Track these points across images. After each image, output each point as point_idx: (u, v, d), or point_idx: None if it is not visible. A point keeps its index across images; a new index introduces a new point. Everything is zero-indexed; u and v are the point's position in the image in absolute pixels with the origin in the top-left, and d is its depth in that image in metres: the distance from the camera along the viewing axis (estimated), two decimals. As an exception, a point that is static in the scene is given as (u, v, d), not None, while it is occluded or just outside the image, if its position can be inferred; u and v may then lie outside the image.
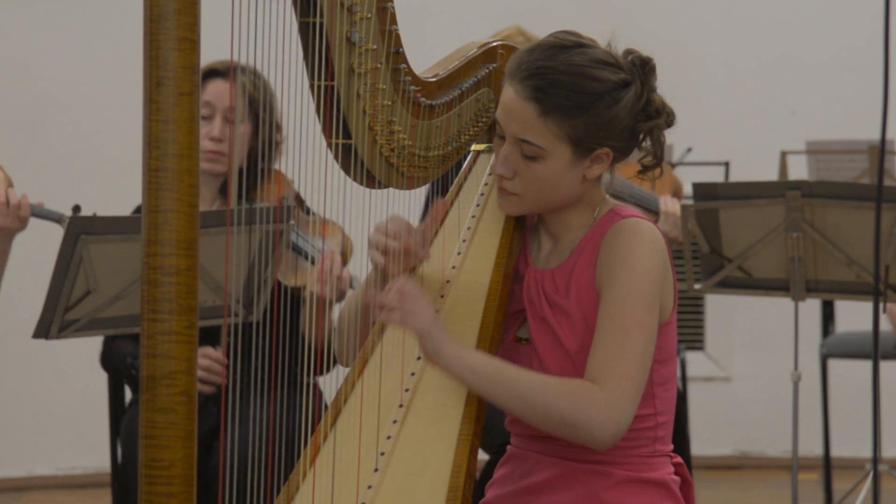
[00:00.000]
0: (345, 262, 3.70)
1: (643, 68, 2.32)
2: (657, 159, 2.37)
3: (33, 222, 3.72)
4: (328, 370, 3.66)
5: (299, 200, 3.80)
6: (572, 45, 2.30)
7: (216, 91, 3.70)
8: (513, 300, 2.41)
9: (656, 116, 2.33)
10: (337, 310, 3.69)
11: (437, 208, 2.41)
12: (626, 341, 2.23)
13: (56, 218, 3.63)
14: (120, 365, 3.76)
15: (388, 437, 2.27)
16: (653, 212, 4.24)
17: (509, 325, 2.41)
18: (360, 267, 3.68)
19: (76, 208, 3.64)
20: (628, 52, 2.34)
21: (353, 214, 2.43)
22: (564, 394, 2.21)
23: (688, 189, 4.15)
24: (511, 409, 2.27)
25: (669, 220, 4.20)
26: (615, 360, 2.22)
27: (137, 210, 3.87)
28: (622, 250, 2.28)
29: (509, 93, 2.30)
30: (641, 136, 2.35)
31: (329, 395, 2.42)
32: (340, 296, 3.58)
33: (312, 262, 3.67)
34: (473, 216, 2.50)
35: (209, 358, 3.54)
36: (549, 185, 2.32)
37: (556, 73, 2.27)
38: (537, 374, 2.26)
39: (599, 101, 2.28)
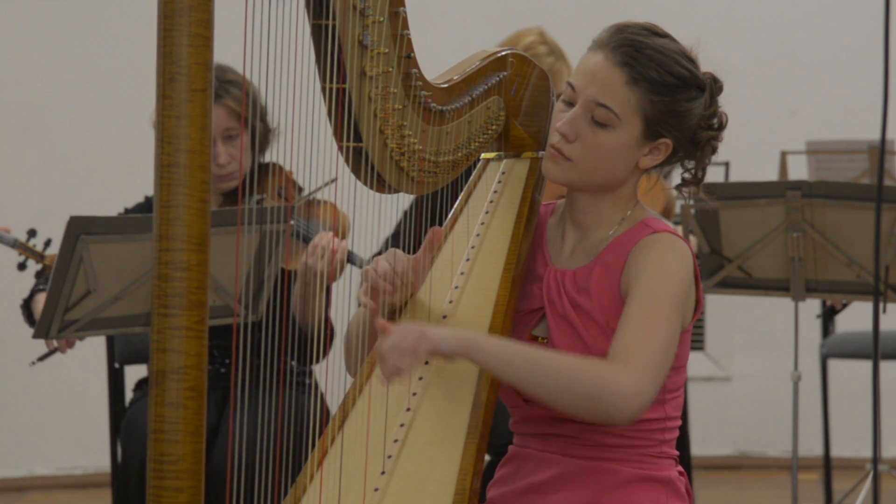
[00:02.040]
0: (342, 237, 3.73)
1: (714, 83, 2.36)
2: (697, 179, 2.40)
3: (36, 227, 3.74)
4: (323, 356, 3.68)
5: (296, 187, 3.84)
6: (663, 34, 2.34)
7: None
8: (530, 299, 2.40)
9: (719, 129, 2.36)
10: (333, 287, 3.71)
11: (433, 237, 2.38)
12: (654, 328, 2.22)
13: (10, 243, 3.65)
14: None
15: (396, 441, 2.27)
16: None
17: (524, 325, 2.41)
18: (359, 247, 3.69)
19: (31, 232, 3.66)
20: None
21: (362, 218, 2.43)
22: (588, 367, 2.19)
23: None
24: (534, 388, 2.21)
25: None
26: (641, 342, 2.21)
27: (128, 211, 3.89)
28: (654, 258, 2.29)
29: (597, 58, 2.32)
30: (696, 147, 2.37)
31: (335, 397, 2.41)
32: (337, 268, 3.59)
33: (306, 243, 3.69)
34: (483, 223, 2.50)
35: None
36: (606, 157, 2.32)
37: (650, 49, 2.30)
38: (558, 352, 2.26)
39: (682, 89, 2.31)
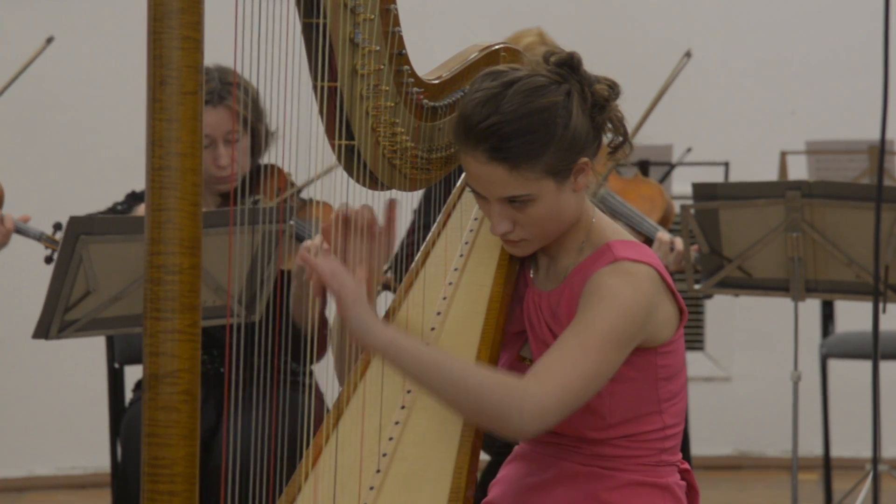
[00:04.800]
0: None
1: (571, 66, 2.28)
2: (623, 135, 2.34)
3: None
4: (319, 357, 3.69)
5: (294, 188, 3.84)
6: (501, 88, 2.25)
7: (209, 122, 3.72)
8: (513, 321, 2.40)
9: (607, 103, 2.30)
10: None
11: (389, 208, 2.33)
12: (582, 360, 2.20)
13: (37, 236, 3.64)
14: None
15: (391, 439, 2.27)
16: (643, 235, 4.21)
17: (511, 346, 2.41)
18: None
19: (57, 226, 3.65)
20: (549, 53, 2.31)
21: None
22: (500, 384, 2.18)
23: (687, 189, 4.15)
24: (442, 396, 2.20)
25: (662, 248, 4.18)
26: (564, 369, 2.19)
27: (113, 208, 3.89)
28: (604, 288, 2.25)
29: (471, 163, 2.26)
30: (603, 131, 2.32)
31: (331, 396, 2.41)
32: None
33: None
34: (475, 218, 2.51)
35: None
36: (549, 219, 2.30)
37: (504, 126, 2.23)
38: (473, 364, 2.24)
39: (555, 126, 2.24)
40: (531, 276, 2.43)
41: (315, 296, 2.21)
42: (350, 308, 2.17)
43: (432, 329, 2.38)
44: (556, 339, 2.31)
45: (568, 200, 2.31)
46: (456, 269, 2.45)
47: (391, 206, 2.32)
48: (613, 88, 2.31)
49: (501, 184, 2.25)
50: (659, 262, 2.32)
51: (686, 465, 2.43)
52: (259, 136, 3.80)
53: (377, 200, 2.38)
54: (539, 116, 2.24)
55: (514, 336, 2.40)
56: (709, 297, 4.45)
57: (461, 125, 2.26)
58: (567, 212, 2.32)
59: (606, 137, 2.35)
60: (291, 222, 3.63)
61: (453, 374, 2.17)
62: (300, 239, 3.71)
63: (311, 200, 3.81)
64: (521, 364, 2.39)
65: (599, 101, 2.29)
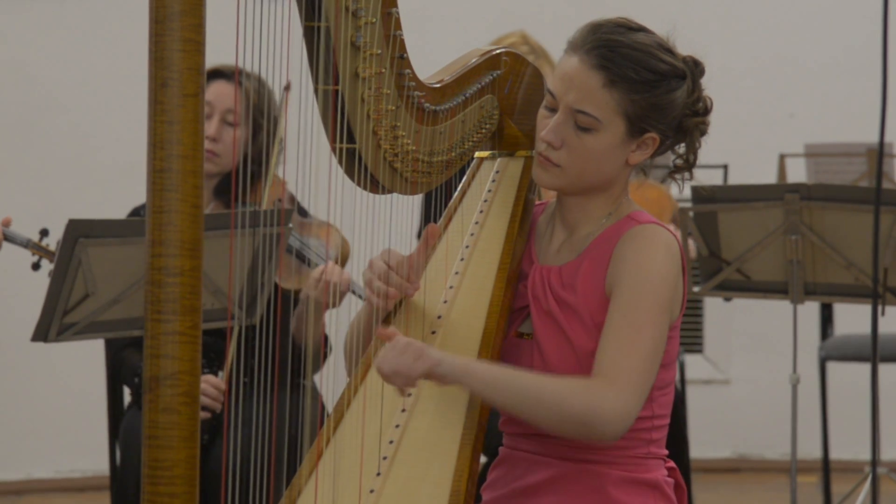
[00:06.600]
0: (343, 264, 3.72)
1: (696, 67, 2.36)
2: (689, 164, 2.40)
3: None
4: (318, 370, 3.69)
5: (293, 201, 3.82)
6: (638, 28, 2.33)
7: (217, 91, 3.71)
8: (516, 297, 2.40)
9: (703, 115, 2.36)
10: (332, 316, 3.71)
11: (429, 234, 2.40)
12: (638, 339, 2.24)
13: (24, 243, 3.62)
14: (127, 379, 3.79)
15: (391, 442, 2.27)
16: None
17: (511, 322, 2.40)
18: (360, 271, 3.68)
19: (44, 232, 3.64)
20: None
21: (356, 219, 2.42)
22: (576, 391, 2.22)
23: (686, 192, 4.15)
24: (524, 415, 2.25)
25: None
26: (626, 356, 2.23)
27: (133, 213, 3.88)
28: (637, 255, 2.29)
29: (572, 62, 2.31)
30: (684, 134, 2.37)
31: (331, 399, 2.41)
32: (340, 299, 3.59)
33: (308, 264, 3.68)
34: (477, 222, 2.50)
35: (210, 385, 3.57)
36: (594, 160, 2.32)
37: (625, 48, 2.29)
38: (544, 375, 2.26)
39: (661, 83, 2.30)
40: (536, 254, 2.43)
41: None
42: (420, 368, 2.20)
43: (433, 332, 2.38)
44: (563, 311, 2.33)
45: (617, 161, 2.34)
46: (457, 273, 2.44)
47: (431, 231, 2.39)
48: (707, 120, 2.37)
49: (586, 93, 2.29)
50: (679, 242, 2.36)
51: (671, 463, 2.43)
52: (259, 133, 3.74)
53: (379, 203, 2.38)
54: (656, 63, 2.30)
55: (514, 312, 2.41)
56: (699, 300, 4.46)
57: (587, 30, 2.33)
58: (607, 169, 2.35)
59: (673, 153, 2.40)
60: (290, 225, 3.62)
61: (530, 391, 2.22)
62: (301, 258, 3.69)
63: (310, 218, 3.77)
64: (519, 340, 2.39)
65: (699, 107, 2.36)
